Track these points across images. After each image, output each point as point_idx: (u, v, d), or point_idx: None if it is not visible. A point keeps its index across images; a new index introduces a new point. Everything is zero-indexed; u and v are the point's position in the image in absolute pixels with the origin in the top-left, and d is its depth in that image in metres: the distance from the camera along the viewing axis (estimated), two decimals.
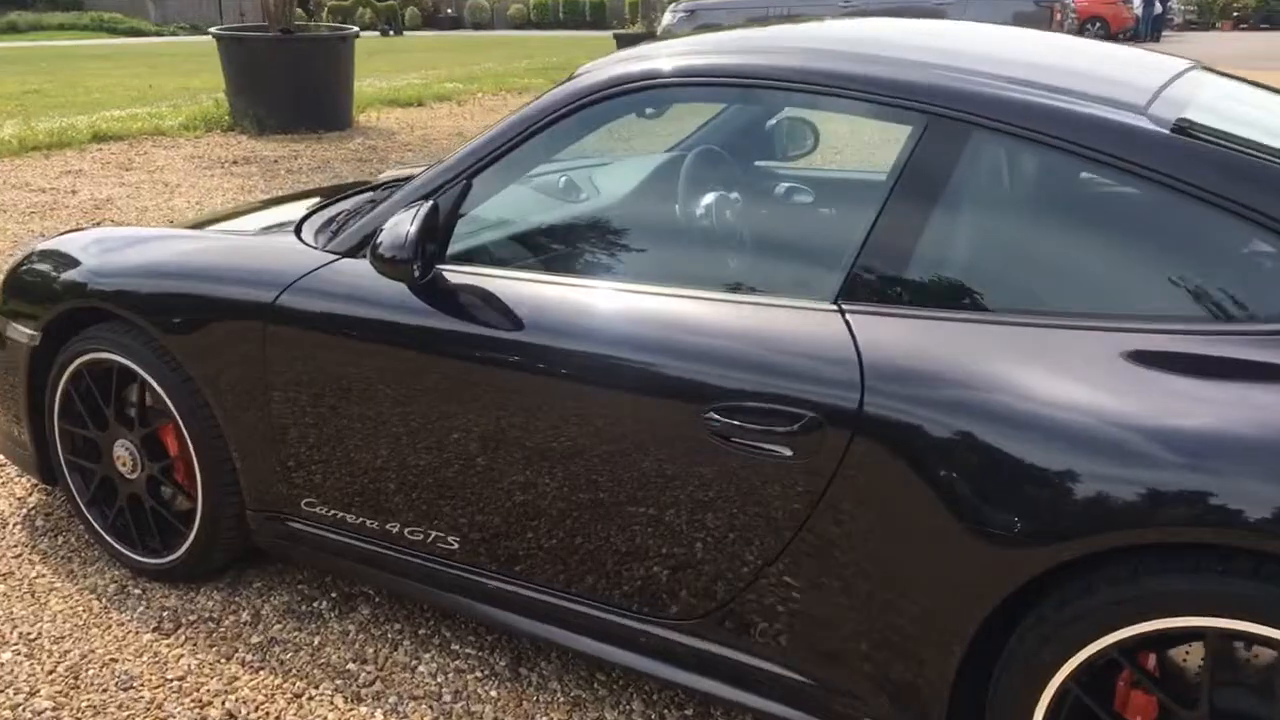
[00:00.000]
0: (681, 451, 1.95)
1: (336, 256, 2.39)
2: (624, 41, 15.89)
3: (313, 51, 10.15)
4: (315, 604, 2.72)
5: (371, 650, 2.53)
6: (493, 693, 2.38)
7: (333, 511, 2.49)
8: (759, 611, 1.97)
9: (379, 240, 2.17)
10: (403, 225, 2.12)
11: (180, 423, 2.60)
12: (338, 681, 2.42)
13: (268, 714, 2.32)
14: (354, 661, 2.49)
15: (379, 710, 2.32)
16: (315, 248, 2.48)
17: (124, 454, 2.77)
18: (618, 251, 2.39)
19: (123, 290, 2.59)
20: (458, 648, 2.53)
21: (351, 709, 2.33)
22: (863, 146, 4.85)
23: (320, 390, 2.36)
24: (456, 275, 2.21)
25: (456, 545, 2.33)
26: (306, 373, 2.37)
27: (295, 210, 3.08)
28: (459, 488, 2.25)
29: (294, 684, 2.41)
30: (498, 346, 2.10)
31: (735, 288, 2.06)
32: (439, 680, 2.42)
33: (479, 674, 2.44)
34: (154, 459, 2.74)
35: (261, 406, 2.47)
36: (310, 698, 2.37)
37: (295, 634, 2.59)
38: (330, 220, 2.70)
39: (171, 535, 2.78)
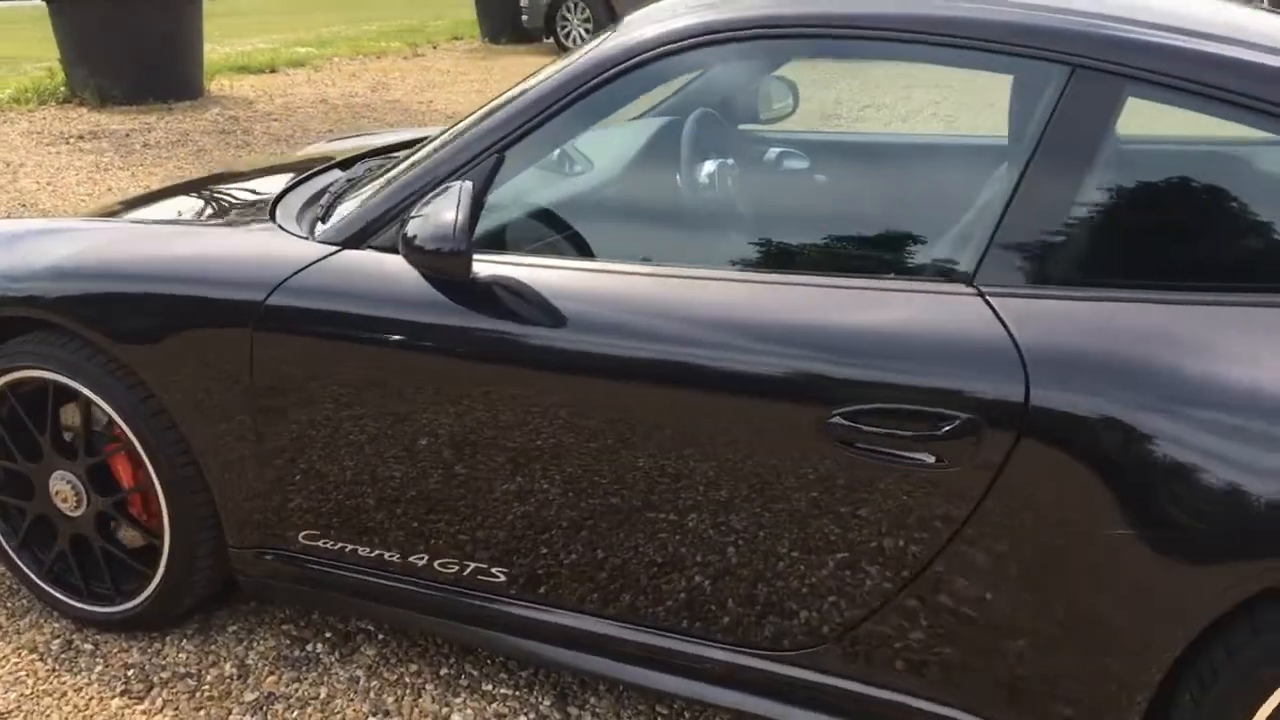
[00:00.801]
0: (796, 462, 1.69)
1: (335, 247, 2.03)
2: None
3: (155, 13, 9.33)
4: (309, 647, 2.36)
5: (392, 699, 2.19)
6: None
7: (340, 544, 2.14)
8: (895, 640, 1.74)
9: (413, 231, 1.82)
10: (444, 212, 1.78)
11: (140, 449, 2.20)
12: None
13: None
14: (375, 715, 2.15)
15: None
16: (302, 237, 2.10)
17: (64, 488, 2.34)
18: (692, 231, 2.09)
19: (63, 295, 2.16)
20: (491, 688, 2.22)
21: None
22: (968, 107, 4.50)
23: (326, 405, 2.00)
24: (501, 266, 1.89)
25: (504, 578, 2.02)
26: (307, 386, 2.00)
27: (235, 193, 2.68)
28: (516, 512, 1.94)
29: None
30: (566, 346, 1.79)
31: (846, 270, 1.79)
32: None
33: (525, 718, 2.14)
34: (104, 492, 2.32)
35: (247, 427, 2.09)
36: None
37: (295, 686, 2.24)
38: (309, 204, 2.32)
39: (128, 578, 2.37)
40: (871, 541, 1.70)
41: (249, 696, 2.21)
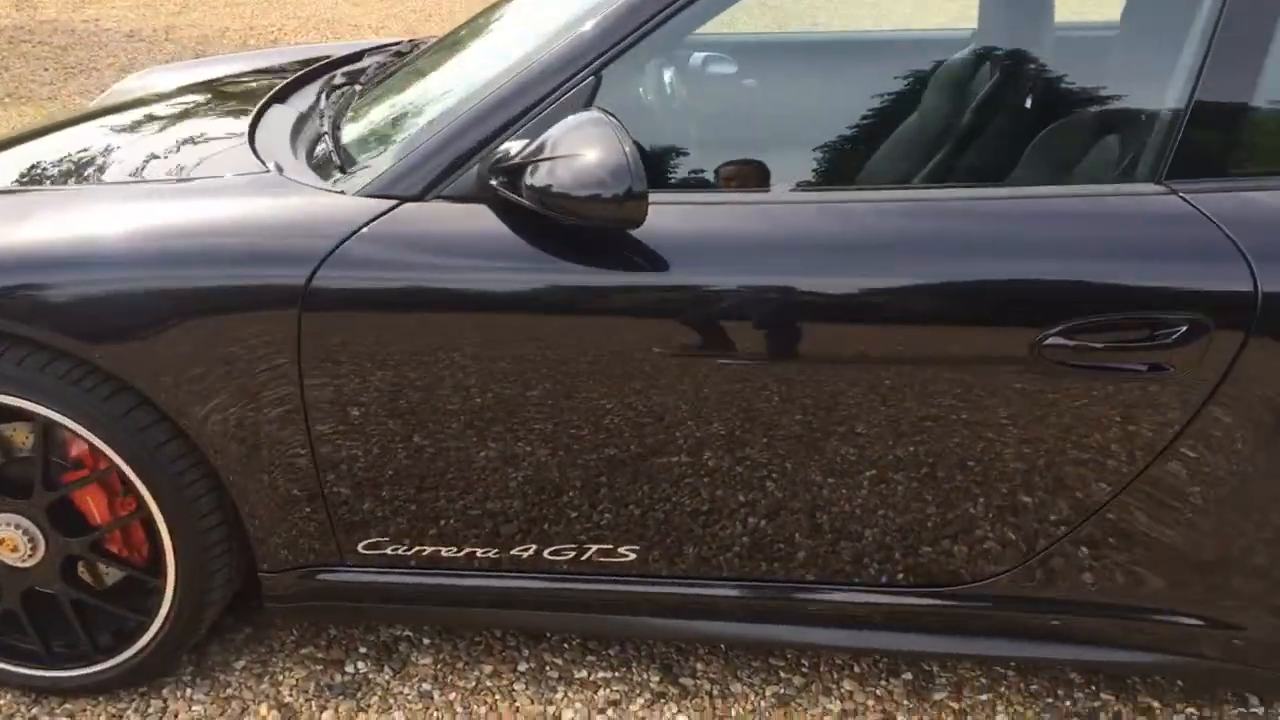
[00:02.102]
0: (1004, 387, 1.59)
1: (391, 201, 1.66)
2: None
3: None
4: (349, 669, 2.02)
5: (484, 708, 1.93)
6: (681, 716, 1.91)
7: (416, 548, 1.82)
8: (1099, 555, 1.70)
9: (553, 182, 1.49)
10: (596, 150, 1.48)
11: (131, 472, 1.76)
12: None
13: None
14: None
15: None
16: (330, 190, 1.72)
17: (10, 535, 1.84)
18: (854, 149, 1.88)
19: (10, 290, 1.66)
20: (586, 674, 2.00)
21: None
22: None
23: (406, 391, 1.67)
24: (668, 206, 1.62)
25: (634, 555, 1.79)
26: (378, 371, 1.66)
27: (169, 135, 2.16)
28: (669, 481, 1.72)
29: None
30: (754, 288, 1.58)
31: (1026, 178, 1.68)
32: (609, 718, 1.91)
33: (643, 698, 1.94)
34: (71, 532, 1.85)
35: (295, 427, 1.72)
36: None
37: (363, 717, 1.91)
38: (315, 144, 1.90)
39: (106, 629, 1.93)
40: (1084, 457, 1.64)
41: None
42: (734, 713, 1.92)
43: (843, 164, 1.88)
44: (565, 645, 2.06)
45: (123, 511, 1.85)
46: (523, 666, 2.02)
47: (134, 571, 1.88)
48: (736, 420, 1.65)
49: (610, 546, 1.80)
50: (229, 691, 1.97)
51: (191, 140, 2.06)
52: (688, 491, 1.73)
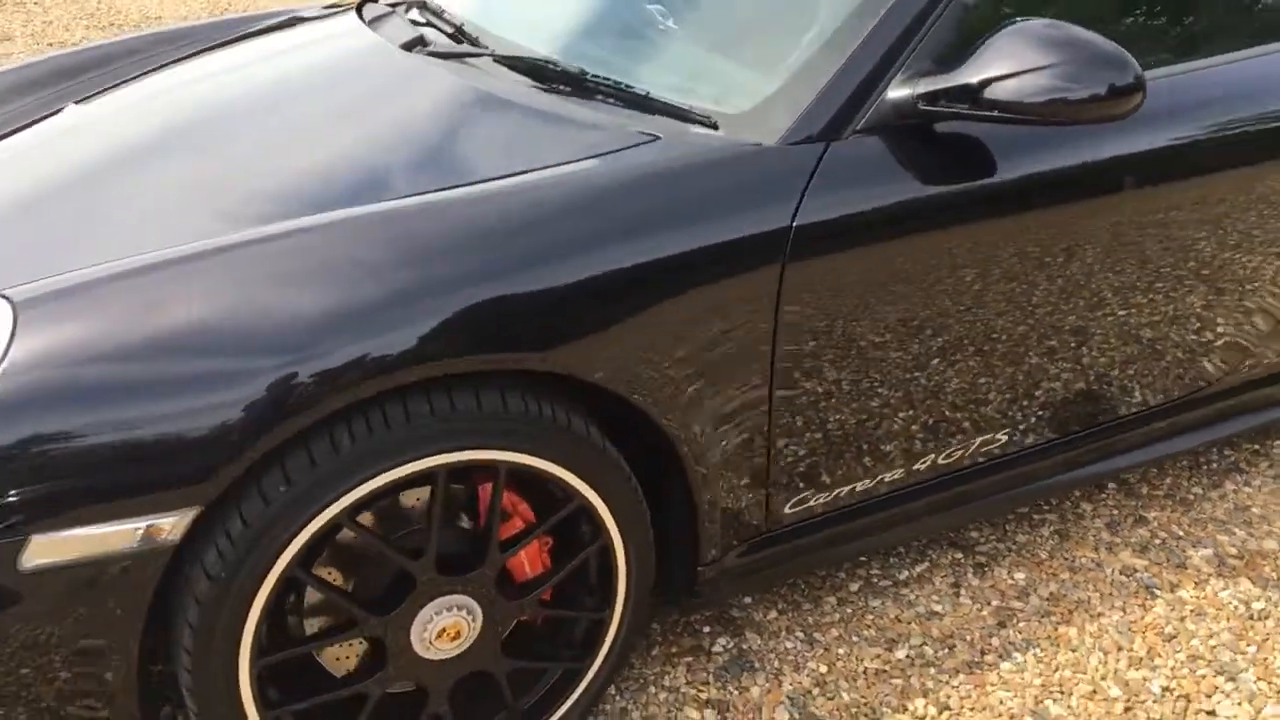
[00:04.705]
0: None
1: (820, 144, 1.64)
2: None
3: None
4: (719, 647, 1.94)
5: (869, 630, 1.99)
6: (1018, 571, 2.13)
7: (833, 493, 1.83)
8: None
9: (1038, 91, 1.58)
10: (1081, 51, 1.59)
11: (597, 501, 1.57)
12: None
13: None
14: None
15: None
16: (753, 145, 1.64)
17: (449, 621, 1.54)
18: None
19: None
20: (909, 573, 2.12)
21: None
22: None
23: (861, 332, 1.70)
24: None
25: (1006, 438, 1.96)
26: (837, 318, 1.66)
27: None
28: (1053, 363, 1.94)
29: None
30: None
31: None
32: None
33: (972, 569, 2.13)
34: (515, 594, 1.59)
35: (758, 399, 1.65)
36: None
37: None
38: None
39: (533, 693, 1.69)
40: None
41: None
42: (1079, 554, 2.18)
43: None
44: (871, 563, 2.16)
45: (544, 552, 1.63)
46: (854, 585, 2.09)
47: (586, 613, 1.67)
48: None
49: (990, 435, 1.95)
50: (639, 715, 1.82)
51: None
52: (1056, 373, 1.95)
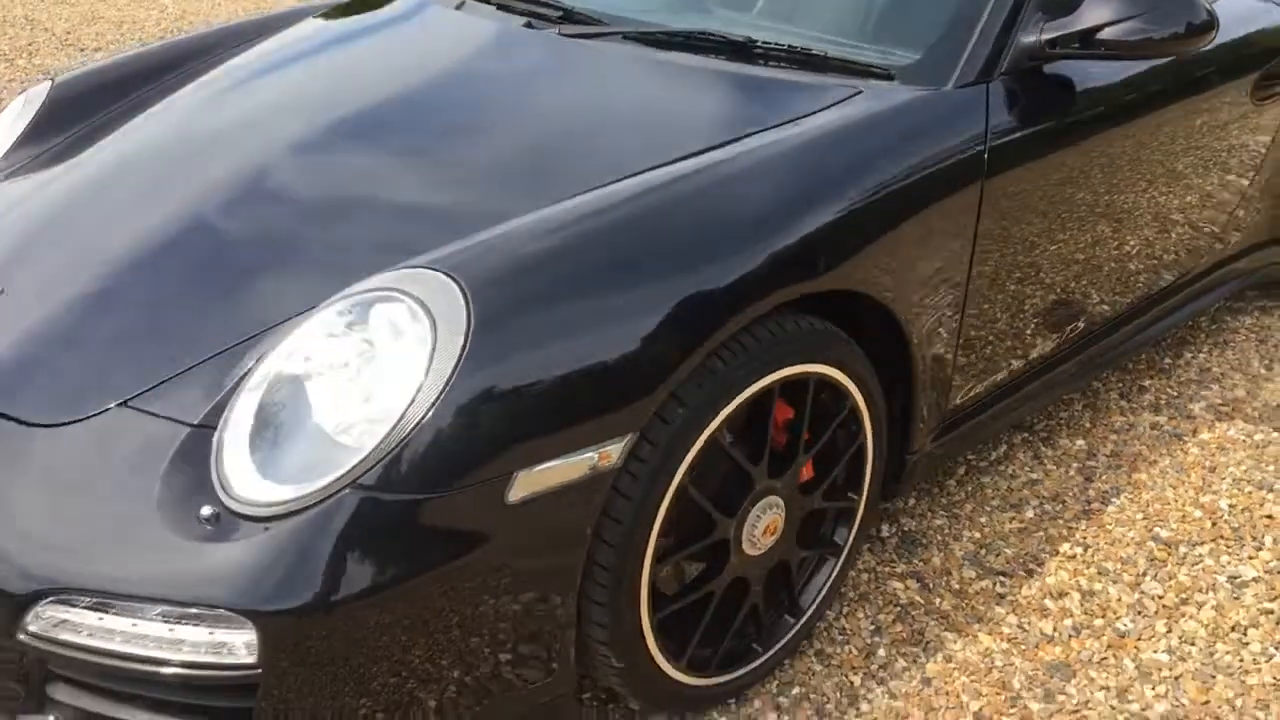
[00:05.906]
0: None
1: (980, 86, 1.97)
2: None
3: None
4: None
5: (1052, 467, 2.35)
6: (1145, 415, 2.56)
7: (994, 374, 2.19)
8: None
9: (1135, 32, 1.97)
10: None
11: (863, 404, 1.84)
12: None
13: None
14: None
15: None
16: (933, 89, 1.95)
17: (771, 518, 1.76)
18: None
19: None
20: (1057, 419, 2.51)
21: None
22: None
23: (1039, 228, 2.12)
24: None
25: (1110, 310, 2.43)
26: (1020, 220, 2.06)
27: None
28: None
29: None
30: None
31: None
32: None
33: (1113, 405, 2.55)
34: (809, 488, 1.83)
35: (955, 298, 1.98)
36: None
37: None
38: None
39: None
40: None
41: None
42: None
43: None
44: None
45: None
46: (961, 470, 2.45)
47: (843, 504, 1.92)
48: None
49: (1108, 304, 2.40)
50: (854, 594, 2.09)
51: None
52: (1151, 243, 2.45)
